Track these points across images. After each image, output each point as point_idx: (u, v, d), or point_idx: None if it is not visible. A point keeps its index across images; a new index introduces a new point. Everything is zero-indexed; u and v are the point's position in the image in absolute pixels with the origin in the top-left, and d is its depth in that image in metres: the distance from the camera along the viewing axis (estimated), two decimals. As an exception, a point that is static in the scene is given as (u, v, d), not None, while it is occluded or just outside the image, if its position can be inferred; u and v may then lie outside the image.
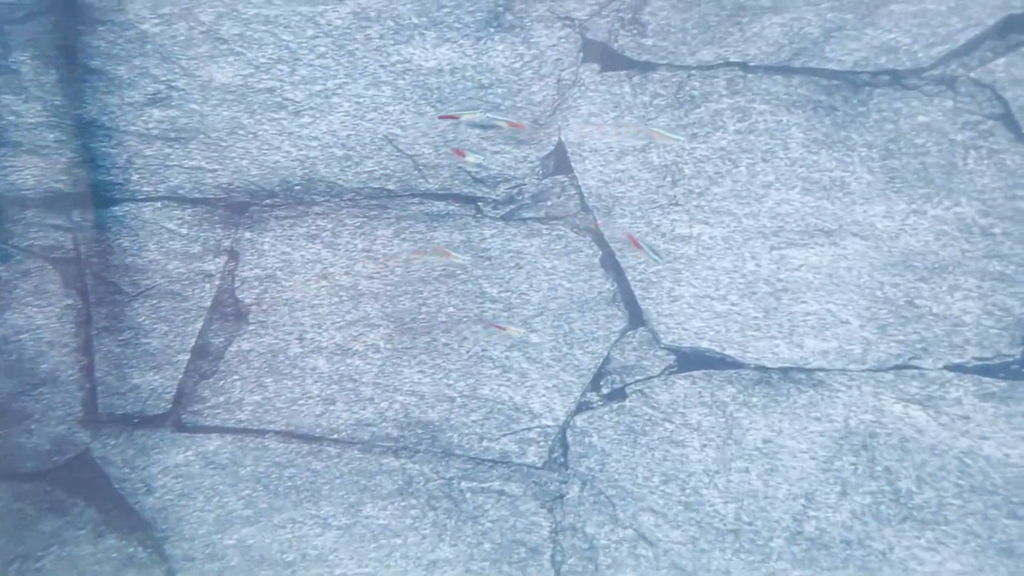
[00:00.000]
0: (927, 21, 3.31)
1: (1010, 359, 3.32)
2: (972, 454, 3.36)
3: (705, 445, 3.62)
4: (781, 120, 3.49)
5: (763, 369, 3.57)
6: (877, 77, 3.40)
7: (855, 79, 3.42)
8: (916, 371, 3.43)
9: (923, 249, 3.37)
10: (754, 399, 3.56)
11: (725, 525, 3.59)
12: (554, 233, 3.69)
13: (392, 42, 3.62)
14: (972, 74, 3.28)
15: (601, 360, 3.69)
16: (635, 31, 3.58)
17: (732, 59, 3.53)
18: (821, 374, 3.50)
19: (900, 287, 3.42)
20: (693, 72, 3.57)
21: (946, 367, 3.39)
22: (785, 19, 3.45)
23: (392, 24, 3.61)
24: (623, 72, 3.61)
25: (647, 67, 3.59)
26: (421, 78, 3.58)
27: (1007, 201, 3.25)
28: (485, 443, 3.74)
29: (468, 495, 3.76)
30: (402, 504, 3.77)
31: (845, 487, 3.51)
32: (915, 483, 3.44)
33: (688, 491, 3.63)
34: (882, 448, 3.47)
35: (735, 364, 3.60)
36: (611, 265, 3.66)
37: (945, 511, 3.41)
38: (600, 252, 3.66)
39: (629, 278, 3.64)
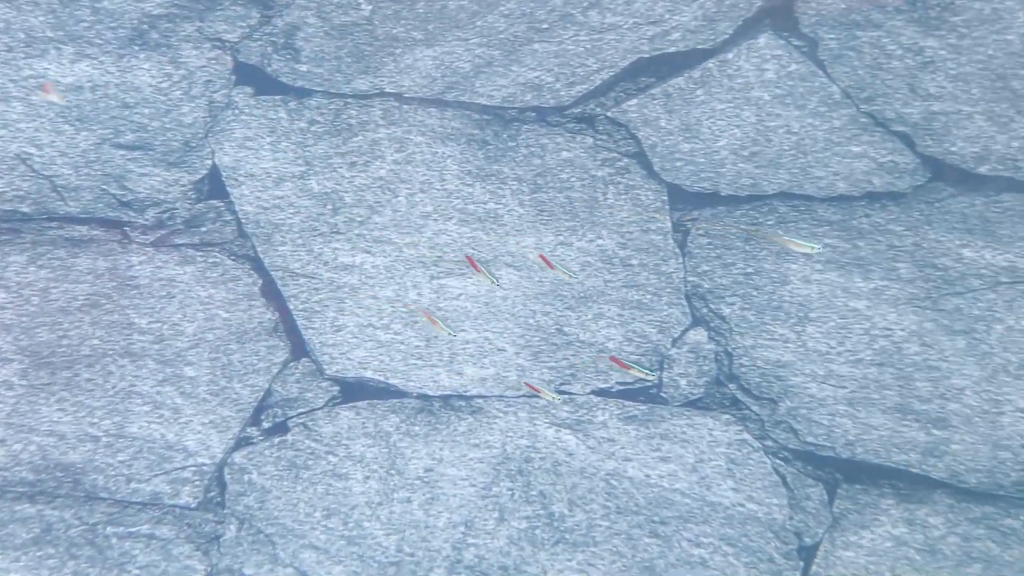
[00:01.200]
0: (567, 61, 3.03)
1: (649, 384, 3.09)
2: (617, 476, 3.08)
3: (368, 477, 3.10)
4: (437, 152, 3.08)
5: (425, 397, 3.11)
6: (524, 113, 3.08)
7: (504, 114, 3.08)
8: (567, 396, 3.12)
9: (571, 279, 3.08)
10: (416, 428, 3.09)
11: (387, 557, 3.09)
12: (209, 260, 3.06)
13: (23, 55, 2.92)
14: (609, 113, 3.03)
15: (262, 393, 3.09)
16: (288, 56, 3.06)
17: (388, 89, 3.09)
18: (480, 401, 3.10)
19: (550, 315, 3.09)
20: (350, 100, 3.09)
21: (593, 392, 3.10)
22: (437, 52, 3.07)
23: (23, 36, 2.92)
24: (278, 97, 3.09)
25: (303, 93, 3.07)
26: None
27: (642, 234, 3.02)
28: (133, 484, 3.03)
29: (114, 540, 3.02)
30: (38, 554, 3.00)
31: (503, 513, 3.12)
32: (567, 506, 3.10)
33: (351, 525, 3.09)
34: (537, 472, 3.11)
35: (399, 393, 3.13)
36: (272, 294, 3.10)
37: (594, 532, 3.09)
38: (260, 280, 3.09)
39: (291, 307, 3.08)
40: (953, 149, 2.64)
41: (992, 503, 2.68)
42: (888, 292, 2.70)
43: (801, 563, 2.82)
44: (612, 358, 2.83)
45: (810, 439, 2.77)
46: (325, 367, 2.88)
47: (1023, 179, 2.61)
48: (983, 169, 2.62)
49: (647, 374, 2.82)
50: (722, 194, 2.80)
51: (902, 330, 2.69)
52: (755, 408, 2.81)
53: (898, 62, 2.65)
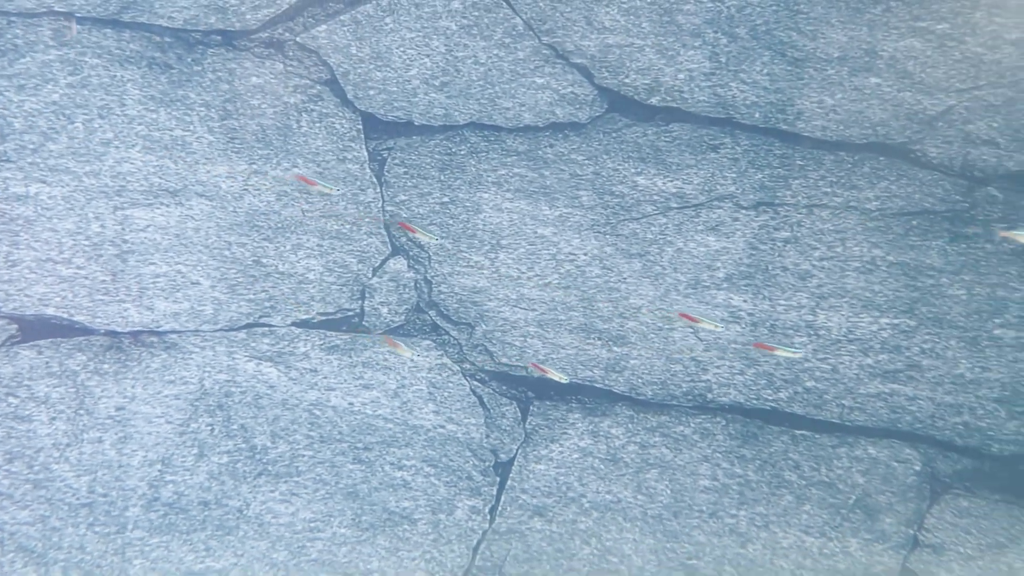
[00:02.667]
0: (256, -11, 2.66)
1: (351, 313, 2.80)
2: (320, 405, 2.79)
3: (54, 418, 2.65)
4: (115, 75, 2.63)
5: (114, 334, 2.70)
6: (209, 36, 2.68)
7: (187, 37, 2.67)
8: (266, 329, 2.78)
9: (267, 209, 2.72)
10: (106, 366, 2.67)
11: (78, 500, 2.67)
12: None
13: None
14: (298, 39, 2.68)
15: (-77, 336, 2.58)
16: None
17: (56, 8, 2.62)
18: (174, 336, 2.71)
19: (247, 247, 2.74)
20: (14, 19, 2.60)
21: (294, 323, 2.78)
22: (116, -26, 2.62)
23: None
24: (-68, 14, 2.54)
25: (-38, 10, 2.56)
26: None
27: (338, 163, 2.71)
28: None
29: None
30: None
31: (202, 448, 2.76)
32: (269, 438, 2.78)
33: (36, 468, 2.65)
34: (237, 407, 2.77)
35: (85, 330, 2.69)
36: (-69, 227, 2.57)
37: (297, 462, 2.80)
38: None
39: (-46, 242, 2.58)
40: (627, 81, 2.48)
41: (666, 413, 2.58)
42: (572, 219, 2.51)
43: (498, 479, 2.64)
44: (757, 344, 2.48)
45: (504, 360, 2.57)
46: (0, 304, 2.41)
47: (689, 109, 2.46)
48: (654, 100, 2.47)
49: (794, 352, 2.56)
50: (416, 124, 2.51)
51: (585, 255, 2.52)
52: (454, 333, 2.59)
53: (577, -6, 2.45)
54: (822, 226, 2.56)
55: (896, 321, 2.55)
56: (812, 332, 2.58)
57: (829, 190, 2.55)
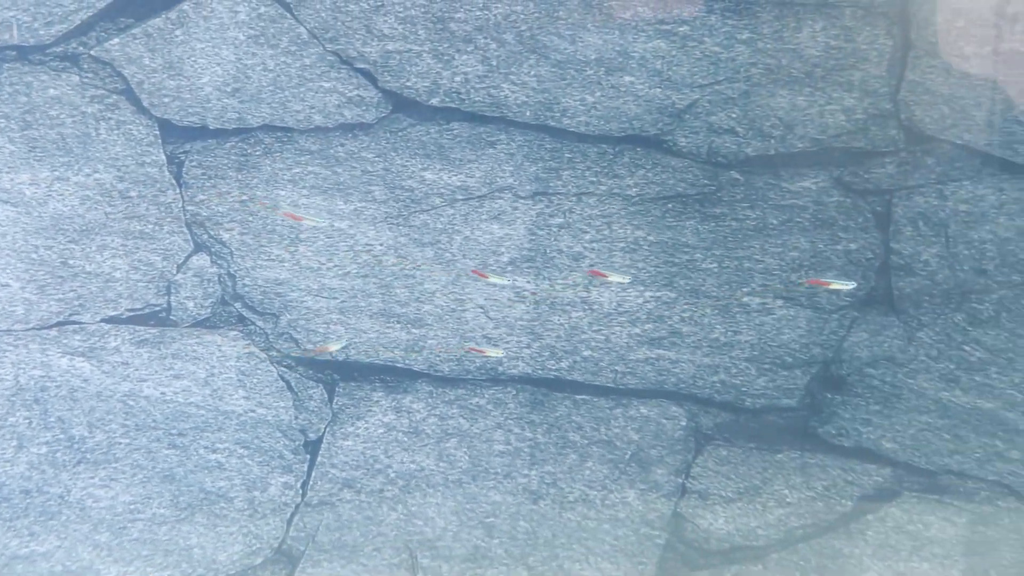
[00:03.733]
0: (43, 1, 2.62)
1: (158, 308, 2.78)
2: (134, 396, 2.76)
3: None
4: (-88, 91, 2.55)
5: (-82, 340, 2.61)
6: (3, 52, 2.63)
7: (-15, 55, 2.60)
8: (77, 326, 2.74)
9: (71, 213, 2.67)
10: (-90, 371, 2.59)
11: None
12: None
13: None
14: (92, 52, 2.65)
15: None
16: None
17: None
18: (-18, 338, 2.65)
19: (54, 249, 2.69)
20: None
21: (103, 320, 2.74)
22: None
23: None
24: None
25: None
26: None
27: (138, 167, 2.69)
28: None
29: None
30: None
31: (21, 440, 2.71)
32: (87, 428, 2.75)
33: None
34: (53, 400, 2.72)
35: None
36: None
37: (114, 450, 2.77)
38: None
39: None
40: (409, 84, 2.52)
41: (462, 386, 2.65)
42: (366, 212, 2.56)
43: (308, 456, 2.66)
44: (811, 280, 2.55)
45: (309, 346, 2.58)
46: None
47: (467, 109, 2.52)
48: (434, 101, 2.52)
49: (845, 284, 2.63)
50: (211, 128, 2.50)
51: (380, 245, 2.56)
52: (259, 323, 2.59)
53: (355, 5, 2.46)
54: (591, 212, 2.66)
55: (659, 294, 2.67)
56: (587, 307, 2.68)
57: (595, 179, 2.65)
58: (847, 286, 2.60)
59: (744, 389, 2.72)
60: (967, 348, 2.65)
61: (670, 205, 2.68)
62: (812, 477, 2.74)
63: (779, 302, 2.69)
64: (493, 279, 2.63)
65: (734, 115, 2.63)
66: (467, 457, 2.76)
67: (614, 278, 2.66)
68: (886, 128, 2.62)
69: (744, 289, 2.70)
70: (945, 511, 2.70)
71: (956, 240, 2.63)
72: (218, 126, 2.60)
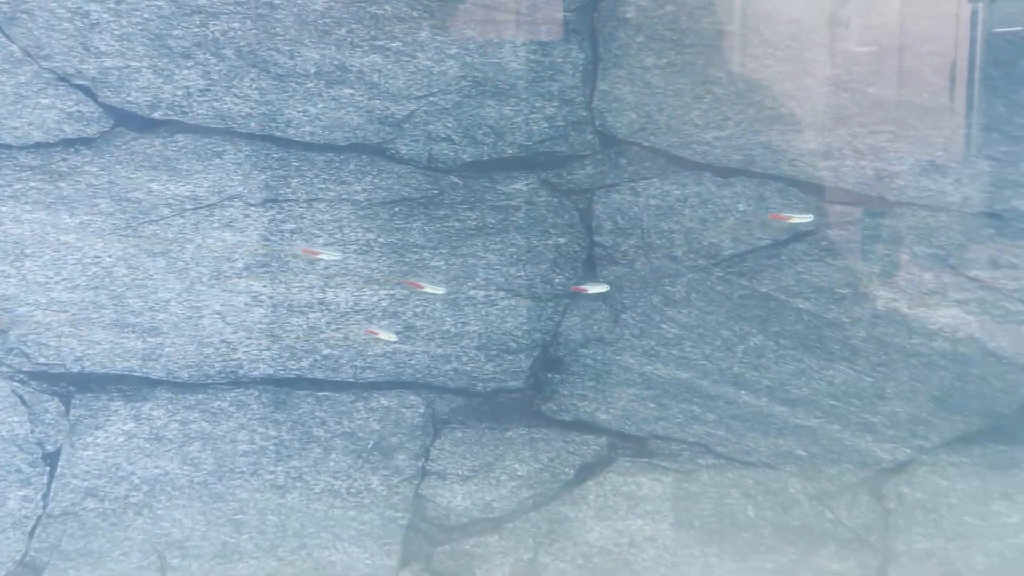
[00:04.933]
0: None
1: None
2: None
3: None
4: None
5: None
6: None
7: None
8: None
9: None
10: None
11: None
12: None
13: None
14: None
15: None
16: None
17: None
18: None
19: None
20: None
21: None
22: None
23: None
24: None
25: None
26: None
27: None
28: None
29: None
30: None
31: None
32: None
33: None
34: None
35: None
36: None
37: None
38: None
39: None
40: (130, 99, 2.39)
41: (203, 391, 2.53)
42: (93, 225, 2.41)
43: (47, 468, 2.46)
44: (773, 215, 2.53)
45: (41, 360, 2.41)
46: None
47: (191, 122, 2.42)
48: (157, 115, 2.40)
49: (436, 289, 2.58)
50: None
51: (110, 257, 2.41)
52: None
53: (69, 24, 2.31)
54: (322, 217, 2.61)
55: (392, 292, 2.64)
56: (324, 307, 2.62)
57: (324, 186, 2.61)
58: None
59: (475, 375, 2.75)
60: (664, 326, 2.78)
61: (397, 208, 2.67)
62: (539, 451, 2.80)
63: (501, 294, 2.74)
64: (324, 255, 2.55)
65: (449, 124, 2.66)
66: (212, 459, 2.65)
67: (430, 289, 2.64)
68: (583, 133, 2.71)
69: (470, 283, 2.73)
70: (654, 472, 2.82)
71: (650, 231, 2.75)
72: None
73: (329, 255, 2.61)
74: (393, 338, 2.69)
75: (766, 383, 2.78)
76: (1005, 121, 2.68)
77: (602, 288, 2.72)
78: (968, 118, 2.68)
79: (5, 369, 2.51)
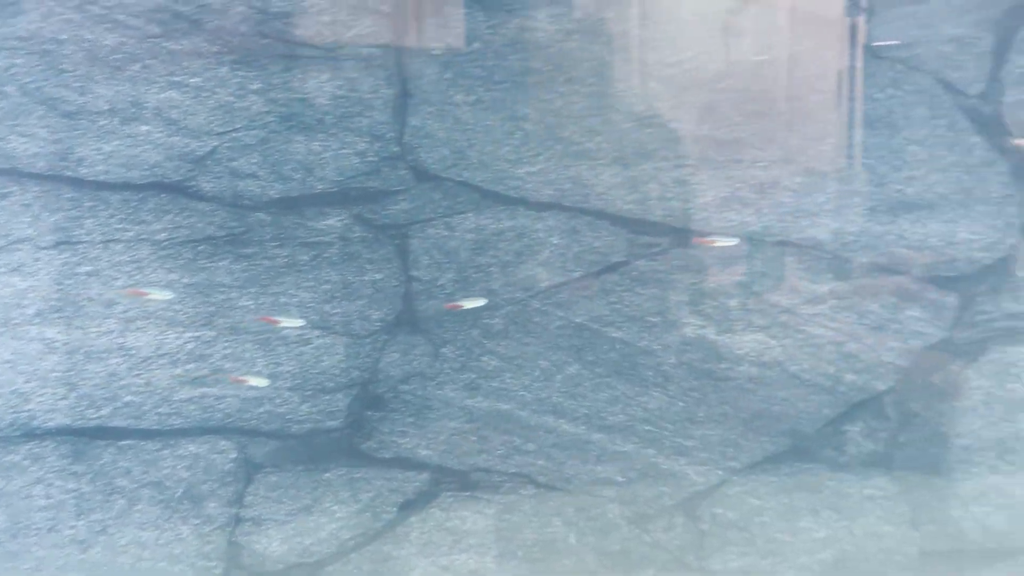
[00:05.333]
0: None
1: None
2: None
3: None
4: None
5: None
6: None
7: None
8: None
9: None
10: None
11: None
12: None
13: None
14: None
15: None
16: None
17: None
18: None
19: None
20: None
21: None
22: None
23: None
24: None
25: None
26: None
27: None
28: None
29: None
30: None
31: None
32: None
33: None
34: None
35: None
36: None
37: None
38: None
39: None
40: None
41: (-7, 444, 2.31)
42: None
43: None
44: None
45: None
46: None
47: None
48: None
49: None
50: None
51: None
52: None
53: None
54: (119, 258, 2.43)
55: (198, 334, 2.48)
56: (124, 352, 2.43)
57: (120, 226, 2.42)
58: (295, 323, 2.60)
59: (290, 417, 2.61)
60: (484, 359, 2.72)
61: (201, 248, 2.51)
62: (359, 490, 2.69)
63: (316, 332, 2.61)
64: (286, 323, 2.35)
65: (254, 160, 2.52)
66: (4, 516, 2.42)
67: (287, 323, 2.47)
68: (396, 169, 2.63)
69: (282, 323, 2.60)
70: (477, 505, 2.75)
71: (467, 265, 2.68)
72: None
73: (159, 295, 2.44)
74: (264, 383, 2.53)
75: (583, 411, 2.76)
76: (799, 152, 2.73)
77: (479, 302, 2.64)
78: (766, 151, 2.72)
79: None
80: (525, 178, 2.68)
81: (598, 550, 2.81)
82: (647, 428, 2.80)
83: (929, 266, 2.77)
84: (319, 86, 2.57)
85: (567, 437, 2.79)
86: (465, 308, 2.70)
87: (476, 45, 2.62)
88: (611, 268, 2.75)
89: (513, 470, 2.81)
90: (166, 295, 2.49)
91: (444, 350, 2.74)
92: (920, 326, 2.78)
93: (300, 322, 2.59)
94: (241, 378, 2.57)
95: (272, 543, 2.67)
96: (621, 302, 2.76)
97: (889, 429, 2.82)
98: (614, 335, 2.76)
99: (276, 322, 2.58)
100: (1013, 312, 2.78)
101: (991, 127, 2.75)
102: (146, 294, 2.46)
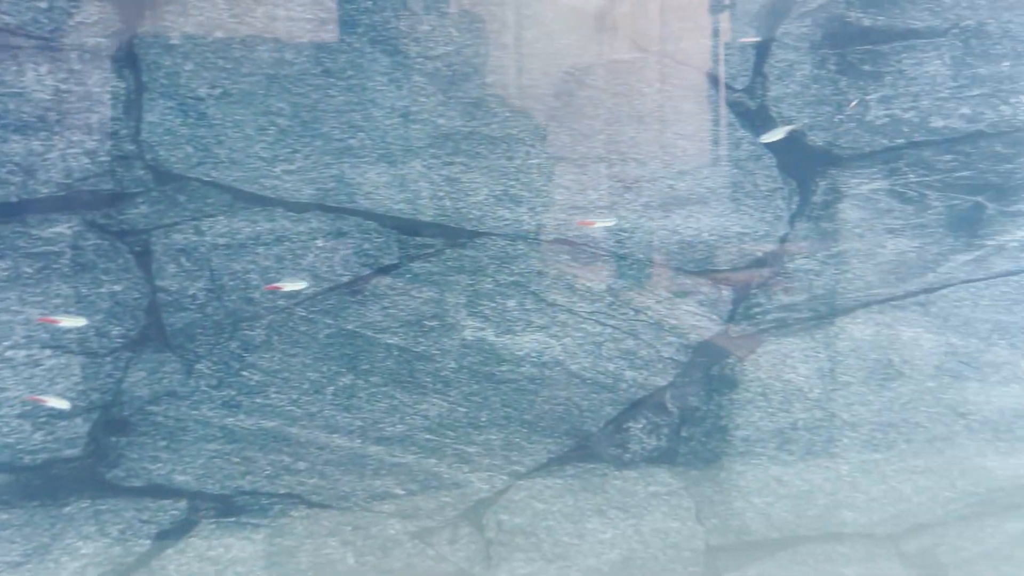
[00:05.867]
0: None
1: None
2: None
3: None
4: None
5: None
6: None
7: None
8: None
9: None
10: None
11: None
12: None
13: None
14: None
15: None
16: None
17: None
18: None
19: None
20: None
21: None
22: None
23: None
24: None
25: None
26: None
27: None
28: None
29: None
30: None
31: None
32: None
33: None
34: None
35: None
36: None
37: None
38: None
39: None
40: None
41: None
42: None
43: None
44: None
45: None
46: None
47: None
48: None
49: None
50: None
51: None
52: None
53: None
54: None
55: (-99, 359, 2.07)
56: None
57: None
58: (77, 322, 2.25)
59: (20, 446, 2.23)
60: (245, 373, 2.41)
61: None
62: (106, 523, 2.34)
63: (47, 351, 2.23)
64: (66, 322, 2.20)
65: (-41, 162, 2.13)
66: None
67: (67, 322, 2.24)
68: (133, 169, 2.30)
69: (6, 343, 2.21)
70: (243, 530, 2.44)
71: (220, 272, 2.36)
72: None
73: (71, 321, 2.04)
74: (64, 405, 2.21)
75: (359, 423, 2.49)
76: (570, 148, 2.56)
77: (301, 285, 2.30)
78: (537, 147, 2.53)
79: None
80: (282, 177, 2.40)
81: (379, 569, 2.56)
82: (427, 437, 2.57)
83: (702, 261, 2.64)
84: (38, 79, 2.20)
85: (341, 452, 2.52)
86: (286, 291, 2.39)
87: (218, 34, 2.32)
88: (383, 271, 2.50)
89: (283, 491, 2.52)
90: (79, 322, 2.11)
91: (199, 366, 2.43)
92: (696, 320, 2.66)
93: (82, 321, 2.21)
94: (39, 398, 2.19)
95: (3, 589, 2.29)
96: (395, 306, 2.51)
97: (671, 425, 2.68)
98: (389, 341, 2.51)
99: (56, 321, 2.21)
100: (786, 304, 2.69)
101: (757, 121, 2.65)
102: (58, 322, 2.08)
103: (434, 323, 2.56)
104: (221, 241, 2.43)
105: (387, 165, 2.49)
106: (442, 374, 2.58)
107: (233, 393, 2.48)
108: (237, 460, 2.49)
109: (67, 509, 2.37)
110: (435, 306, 2.57)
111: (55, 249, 2.31)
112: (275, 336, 2.49)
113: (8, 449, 2.30)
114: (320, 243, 2.48)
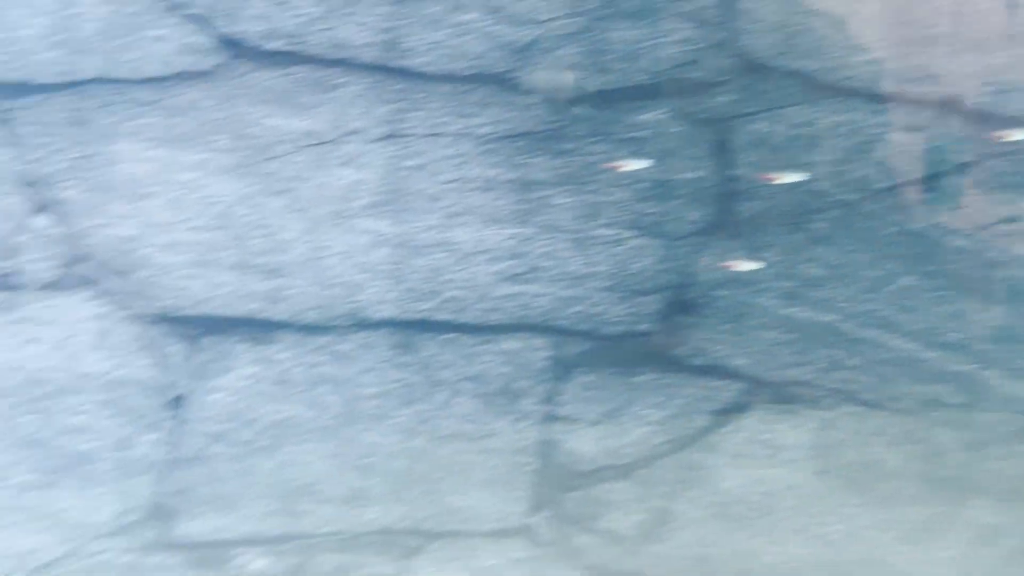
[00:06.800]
0: None
1: (2, 273, 2.21)
2: (-16, 364, 2.20)
3: None
4: None
5: None
6: None
7: None
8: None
9: None
10: None
11: None
12: None
13: None
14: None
15: None
16: None
17: None
18: None
19: None
20: None
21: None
22: None
23: None
24: None
25: None
26: None
27: (-25, 131, 2.10)
28: None
29: None
30: None
31: None
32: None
33: None
34: None
35: None
36: None
37: (-34, 420, 2.21)
38: None
39: None
40: (244, 29, 1.98)
41: (328, 333, 2.14)
42: (212, 163, 2.04)
43: (175, 412, 2.13)
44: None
45: (167, 302, 2.04)
46: None
47: (307, 52, 2.01)
48: (273, 45, 1.98)
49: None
50: (37, 83, 1.92)
51: (230, 196, 2.02)
52: (112, 282, 2.03)
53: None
54: (444, 152, 2.18)
55: (517, 231, 2.22)
56: (447, 247, 2.21)
57: (445, 119, 2.17)
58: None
59: (603, 318, 2.30)
60: (806, 265, 2.27)
61: (520, 143, 2.22)
62: (670, 396, 2.36)
63: (630, 232, 2.27)
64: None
65: (575, 50, 2.17)
66: (338, 402, 2.29)
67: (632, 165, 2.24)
68: (721, 58, 2.20)
69: (595, 222, 2.27)
70: (794, 419, 2.34)
71: (794, 163, 2.23)
72: (45, 80, 2.02)
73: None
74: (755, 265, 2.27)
75: (918, 326, 2.27)
76: None
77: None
78: None
79: (131, 312, 2.17)
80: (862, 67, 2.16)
81: (925, 476, 2.32)
82: (989, 348, 2.26)
83: None
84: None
85: (897, 354, 2.30)
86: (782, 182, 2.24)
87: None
88: (957, 169, 2.20)
89: (833, 385, 2.37)
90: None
91: (764, 255, 2.31)
92: None
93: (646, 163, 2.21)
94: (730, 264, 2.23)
95: (584, 443, 2.39)
96: (967, 207, 2.20)
97: None
98: (957, 244, 2.22)
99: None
100: None
101: None
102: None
103: (1010, 227, 2.20)
104: (797, 132, 2.25)
105: (979, 54, 2.14)
106: (1014, 283, 2.23)
107: (793, 284, 2.32)
108: (793, 350, 2.35)
109: (638, 379, 2.38)
110: (1013, 208, 2.20)
111: (640, 135, 2.27)
112: (838, 231, 2.28)
113: (594, 319, 2.34)
114: (894, 136, 2.21)
